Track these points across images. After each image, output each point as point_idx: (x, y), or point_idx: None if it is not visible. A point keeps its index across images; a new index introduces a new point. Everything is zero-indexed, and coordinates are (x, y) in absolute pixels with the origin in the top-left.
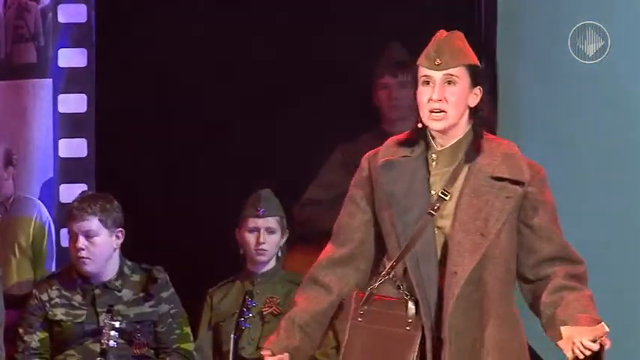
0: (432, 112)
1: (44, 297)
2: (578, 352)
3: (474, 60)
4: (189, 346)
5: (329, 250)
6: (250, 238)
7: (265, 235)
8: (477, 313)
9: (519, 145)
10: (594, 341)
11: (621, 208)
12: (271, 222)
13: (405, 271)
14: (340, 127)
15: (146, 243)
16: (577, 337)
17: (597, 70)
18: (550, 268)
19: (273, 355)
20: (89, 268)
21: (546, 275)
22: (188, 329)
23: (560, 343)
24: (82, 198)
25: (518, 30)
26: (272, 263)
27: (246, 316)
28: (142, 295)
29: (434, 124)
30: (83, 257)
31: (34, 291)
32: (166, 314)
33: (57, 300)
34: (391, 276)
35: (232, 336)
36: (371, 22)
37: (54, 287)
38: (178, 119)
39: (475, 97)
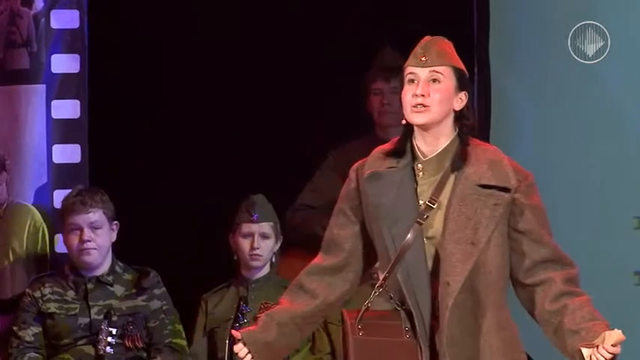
0: (414, 106)
1: (37, 294)
2: (598, 356)
3: (461, 65)
4: (182, 342)
5: (318, 259)
6: (244, 243)
7: (259, 241)
8: (472, 322)
9: (518, 145)
10: (614, 345)
11: (618, 207)
12: (265, 227)
13: (397, 282)
14: (336, 133)
15: (139, 249)
16: (599, 342)
17: (597, 70)
18: (544, 273)
19: (244, 345)
20: (92, 259)
21: (542, 280)
22: (180, 327)
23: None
24: (79, 191)
25: (517, 31)
26: (266, 269)
27: (240, 322)
28: (134, 290)
29: (416, 118)
30: (89, 248)
31: (27, 290)
32: (158, 310)
33: (50, 296)
34: (385, 288)
35: (227, 342)
36: (364, 27)
37: (47, 285)
38: (172, 125)
39: (460, 101)
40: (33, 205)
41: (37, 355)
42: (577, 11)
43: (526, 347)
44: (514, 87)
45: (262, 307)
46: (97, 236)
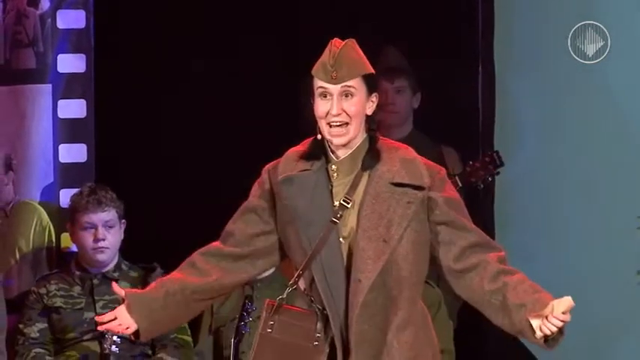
0: (331, 125)
1: (42, 291)
2: (549, 325)
3: (369, 69)
4: (187, 338)
5: (218, 244)
6: None
7: None
8: (382, 319)
9: (521, 143)
10: (564, 313)
11: (621, 206)
12: None
13: (314, 282)
14: None
15: (146, 247)
16: (547, 312)
17: (597, 70)
18: (475, 256)
19: (127, 306)
20: (106, 257)
21: (475, 264)
22: (185, 324)
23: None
24: (92, 190)
25: (517, 31)
26: (272, 269)
27: (246, 321)
28: (140, 287)
29: (337, 140)
30: (102, 247)
31: (32, 288)
32: None
33: (55, 292)
34: (302, 288)
35: (232, 340)
36: (370, 27)
37: (52, 282)
38: (177, 124)
39: (372, 104)
40: (39, 203)
41: (43, 350)
42: (577, 11)
43: (537, 352)
44: (517, 86)
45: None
46: (110, 235)
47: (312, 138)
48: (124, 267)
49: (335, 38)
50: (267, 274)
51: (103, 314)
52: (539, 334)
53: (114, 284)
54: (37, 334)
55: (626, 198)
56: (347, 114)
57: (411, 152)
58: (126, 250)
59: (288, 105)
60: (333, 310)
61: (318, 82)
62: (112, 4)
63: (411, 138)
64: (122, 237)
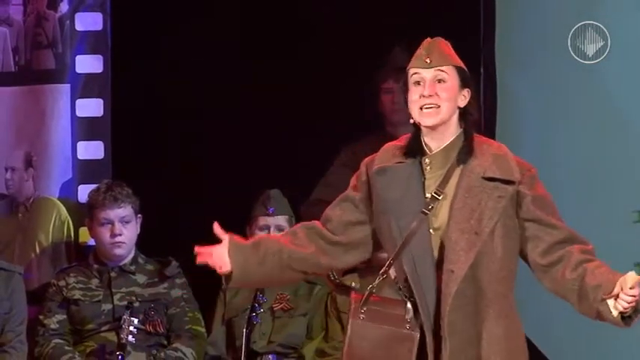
0: (423, 107)
1: (62, 283)
2: (622, 302)
3: (462, 64)
4: (201, 329)
5: (320, 225)
6: (261, 235)
7: (275, 233)
8: (472, 309)
9: (519, 144)
10: (632, 288)
11: (619, 201)
12: (281, 220)
13: (404, 272)
14: (348, 130)
15: (161, 242)
16: (617, 290)
17: (597, 70)
18: (562, 250)
19: (229, 253)
20: (123, 251)
21: (560, 257)
22: (199, 315)
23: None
24: (109, 187)
25: (518, 31)
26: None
27: (257, 312)
28: (156, 279)
29: (426, 120)
30: (119, 242)
31: (52, 280)
32: (179, 298)
33: (74, 284)
34: (392, 277)
35: (244, 330)
36: (373, 28)
37: (71, 275)
38: (192, 122)
39: (464, 98)
40: (58, 199)
41: (62, 341)
42: (577, 11)
43: (540, 345)
44: (518, 85)
45: (278, 297)
46: (127, 230)
47: (407, 135)
48: (140, 260)
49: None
50: None
51: (121, 306)
52: (615, 312)
53: (215, 224)
54: (57, 325)
55: (624, 194)
56: (438, 96)
57: (503, 148)
58: (142, 243)
59: (304, 106)
60: (422, 298)
61: (412, 70)
62: (129, 7)
63: None
64: (138, 231)
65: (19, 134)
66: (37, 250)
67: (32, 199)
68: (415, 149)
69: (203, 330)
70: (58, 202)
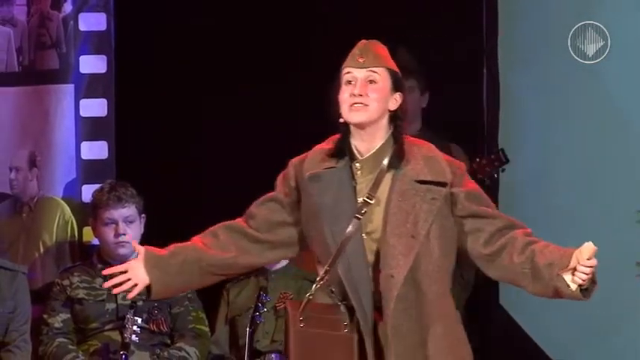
0: (352, 105)
1: (65, 282)
2: (580, 275)
3: (396, 68)
4: (205, 328)
5: (242, 222)
6: None
7: None
8: (415, 312)
9: (519, 143)
10: (589, 259)
11: (624, 201)
12: None
13: (338, 277)
14: None
15: (164, 242)
16: (574, 263)
17: (597, 70)
18: (504, 238)
19: (145, 264)
20: (127, 251)
21: (504, 244)
22: (203, 314)
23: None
24: (113, 187)
25: (520, 31)
26: (285, 260)
27: (260, 311)
28: None
29: (354, 116)
30: (123, 241)
31: (56, 280)
32: (183, 297)
33: (78, 284)
34: (325, 281)
35: (247, 329)
36: (377, 29)
37: (75, 274)
38: (195, 122)
39: (395, 102)
40: (62, 199)
41: (66, 340)
42: (577, 11)
43: (541, 342)
44: (520, 85)
45: (281, 296)
46: (131, 229)
47: (335, 136)
48: None
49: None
50: (280, 265)
51: (125, 305)
52: (573, 286)
53: (133, 241)
54: (61, 324)
55: (626, 193)
56: (368, 96)
57: (432, 149)
58: (146, 243)
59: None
60: (358, 302)
61: (345, 70)
62: (132, 8)
63: (420, 136)
64: (142, 231)
65: (24, 134)
66: (41, 250)
67: (36, 198)
68: (344, 152)
69: (207, 329)
70: (62, 201)
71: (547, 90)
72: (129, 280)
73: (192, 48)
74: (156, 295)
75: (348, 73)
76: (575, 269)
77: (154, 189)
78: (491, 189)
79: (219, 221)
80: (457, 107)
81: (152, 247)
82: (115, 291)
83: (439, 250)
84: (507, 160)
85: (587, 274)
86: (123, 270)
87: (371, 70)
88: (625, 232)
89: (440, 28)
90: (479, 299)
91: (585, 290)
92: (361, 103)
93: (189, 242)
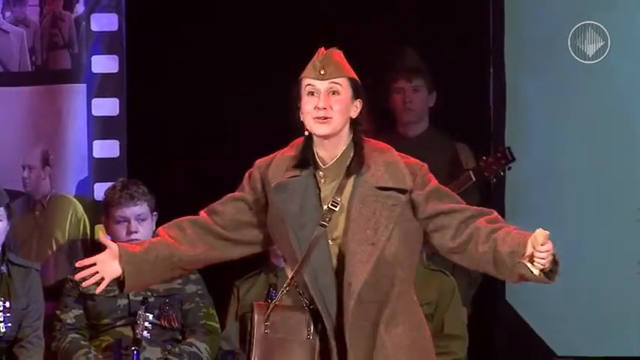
0: (317, 118)
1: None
2: (539, 261)
3: (355, 75)
4: (215, 325)
5: (207, 218)
6: None
7: None
8: (375, 315)
9: (525, 142)
10: (543, 244)
11: (625, 199)
12: None
13: (304, 281)
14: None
15: None
16: (530, 250)
17: (597, 70)
18: (469, 229)
19: (119, 261)
20: None
21: (470, 235)
22: (213, 310)
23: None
24: (125, 185)
25: (526, 32)
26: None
27: None
28: None
29: (319, 129)
30: (136, 239)
31: (68, 276)
32: (194, 294)
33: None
34: (291, 286)
35: None
36: (383, 29)
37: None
38: (206, 120)
39: (356, 109)
40: (75, 197)
41: (78, 336)
42: (577, 11)
43: (546, 338)
44: (526, 85)
45: None
46: (142, 227)
47: (298, 141)
48: None
49: (321, 47)
50: None
51: (137, 301)
52: (535, 271)
53: (100, 233)
54: (73, 320)
55: (630, 192)
56: (332, 109)
57: (393, 154)
58: None
59: None
60: (324, 309)
61: (307, 81)
62: (143, 8)
63: (428, 135)
64: (154, 229)
65: (36, 133)
66: (54, 247)
67: (49, 196)
68: (308, 161)
69: (217, 325)
70: (75, 199)
71: (546, 90)
72: (96, 273)
73: (203, 47)
74: (128, 289)
75: (310, 85)
76: (532, 256)
77: (165, 187)
78: (498, 187)
79: None
80: (464, 106)
81: (125, 244)
82: (84, 284)
83: (402, 253)
84: (513, 159)
85: (544, 258)
86: (92, 263)
87: (333, 82)
88: (628, 230)
89: (447, 28)
90: (485, 295)
91: (550, 272)
92: (325, 117)
93: (158, 237)
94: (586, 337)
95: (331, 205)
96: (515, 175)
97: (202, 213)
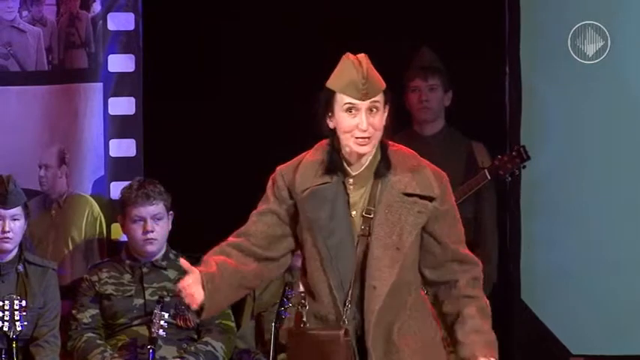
0: (358, 139)
1: (94, 278)
2: None
3: (384, 83)
4: (231, 324)
5: (242, 240)
6: None
7: None
8: (394, 317)
9: (540, 140)
10: None
11: (620, 205)
12: None
13: (329, 286)
14: None
15: (191, 238)
16: None
17: (597, 70)
18: (449, 273)
19: (203, 289)
20: (155, 248)
21: (447, 281)
22: (229, 310)
23: None
24: (141, 184)
25: (542, 31)
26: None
27: (286, 306)
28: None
29: (360, 149)
30: (152, 238)
31: (85, 275)
32: None
33: (107, 279)
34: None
35: (273, 324)
36: (401, 29)
37: (104, 270)
38: (222, 120)
39: (386, 115)
40: (91, 196)
41: (94, 335)
42: (577, 11)
43: (561, 337)
44: (542, 85)
45: None
46: (159, 226)
47: (321, 143)
48: (171, 256)
49: (347, 53)
50: None
51: (153, 301)
52: None
53: (182, 260)
54: (89, 320)
55: (626, 195)
56: (373, 128)
57: (419, 160)
58: (173, 240)
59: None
60: (348, 315)
61: (346, 99)
62: (160, 8)
63: (443, 133)
64: (170, 228)
65: (53, 132)
66: (70, 246)
67: (65, 195)
68: (337, 167)
69: (233, 324)
70: (91, 198)
71: (546, 90)
72: (192, 295)
73: (219, 47)
74: (207, 313)
75: (350, 103)
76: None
77: (181, 186)
78: (513, 185)
79: (246, 219)
80: (479, 105)
81: (201, 267)
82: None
83: (415, 254)
84: (528, 157)
85: None
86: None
87: (374, 101)
88: (626, 229)
89: (463, 28)
90: (500, 294)
91: None
92: (368, 136)
93: (222, 260)
94: (601, 336)
95: (366, 214)
96: (531, 174)
97: (234, 238)
